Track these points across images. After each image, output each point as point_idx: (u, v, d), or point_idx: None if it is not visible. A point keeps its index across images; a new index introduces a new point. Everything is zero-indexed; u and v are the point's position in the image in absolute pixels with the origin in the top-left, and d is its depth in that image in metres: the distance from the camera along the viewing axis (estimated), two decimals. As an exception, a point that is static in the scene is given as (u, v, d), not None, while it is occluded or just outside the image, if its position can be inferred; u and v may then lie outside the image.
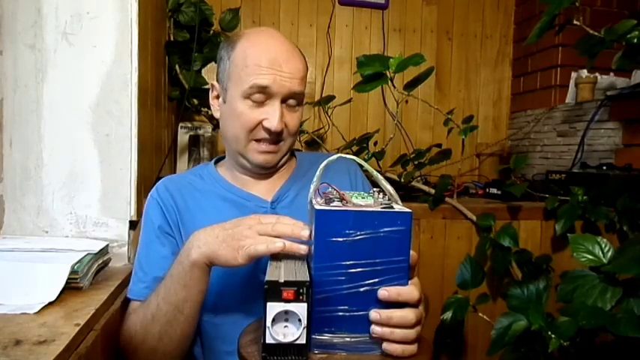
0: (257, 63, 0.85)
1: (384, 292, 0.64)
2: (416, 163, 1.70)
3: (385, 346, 0.64)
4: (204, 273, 0.75)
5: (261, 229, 0.71)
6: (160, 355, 0.81)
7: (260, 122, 0.87)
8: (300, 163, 1.02)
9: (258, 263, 0.87)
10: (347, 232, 0.63)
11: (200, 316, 0.90)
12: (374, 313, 0.64)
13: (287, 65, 0.87)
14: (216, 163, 1.03)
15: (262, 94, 0.86)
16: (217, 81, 0.95)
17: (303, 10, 2.24)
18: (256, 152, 0.90)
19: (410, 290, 0.65)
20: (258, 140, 0.89)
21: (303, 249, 0.68)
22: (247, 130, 0.88)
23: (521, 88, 2.37)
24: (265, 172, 0.95)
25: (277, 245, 0.68)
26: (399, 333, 0.64)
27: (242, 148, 0.91)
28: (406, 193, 1.68)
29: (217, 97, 0.96)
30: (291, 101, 0.89)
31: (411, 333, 0.65)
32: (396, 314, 0.64)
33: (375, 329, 0.64)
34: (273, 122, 0.86)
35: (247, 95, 0.86)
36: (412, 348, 0.65)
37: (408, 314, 0.64)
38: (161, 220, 0.91)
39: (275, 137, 0.89)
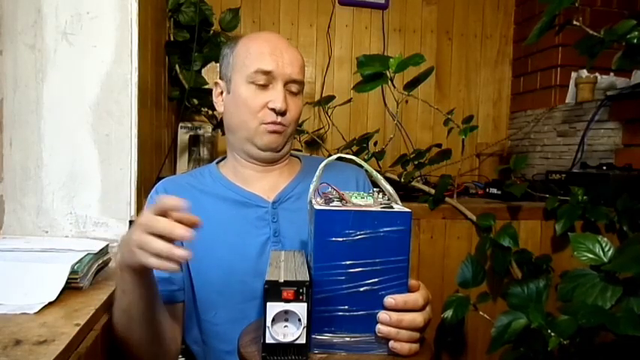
0: (260, 51, 0.91)
1: (390, 301, 0.65)
2: (416, 163, 1.70)
3: (392, 344, 0.65)
4: (136, 277, 0.71)
5: (147, 227, 0.65)
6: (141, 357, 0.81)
7: (265, 105, 0.90)
8: (304, 165, 1.03)
9: (258, 262, 0.87)
10: (347, 232, 0.63)
11: (199, 315, 0.90)
12: (384, 315, 0.65)
13: (287, 53, 0.92)
14: (217, 163, 1.03)
15: (266, 77, 0.90)
16: (220, 78, 0.98)
17: (303, 10, 2.24)
18: (264, 133, 0.92)
19: (415, 298, 0.67)
20: (264, 123, 0.91)
21: (173, 268, 0.63)
22: (254, 113, 0.91)
23: (521, 88, 2.37)
24: (271, 157, 0.95)
25: (150, 261, 0.64)
26: (405, 333, 0.65)
27: (250, 133, 0.92)
28: (406, 193, 1.68)
29: (221, 93, 0.98)
30: (293, 87, 0.93)
31: (416, 333, 0.66)
32: (407, 317, 0.65)
33: (382, 329, 0.65)
34: (277, 103, 0.89)
35: (251, 80, 0.90)
36: (416, 346, 0.67)
37: (417, 317, 0.66)
38: None
39: (280, 119, 0.91)
